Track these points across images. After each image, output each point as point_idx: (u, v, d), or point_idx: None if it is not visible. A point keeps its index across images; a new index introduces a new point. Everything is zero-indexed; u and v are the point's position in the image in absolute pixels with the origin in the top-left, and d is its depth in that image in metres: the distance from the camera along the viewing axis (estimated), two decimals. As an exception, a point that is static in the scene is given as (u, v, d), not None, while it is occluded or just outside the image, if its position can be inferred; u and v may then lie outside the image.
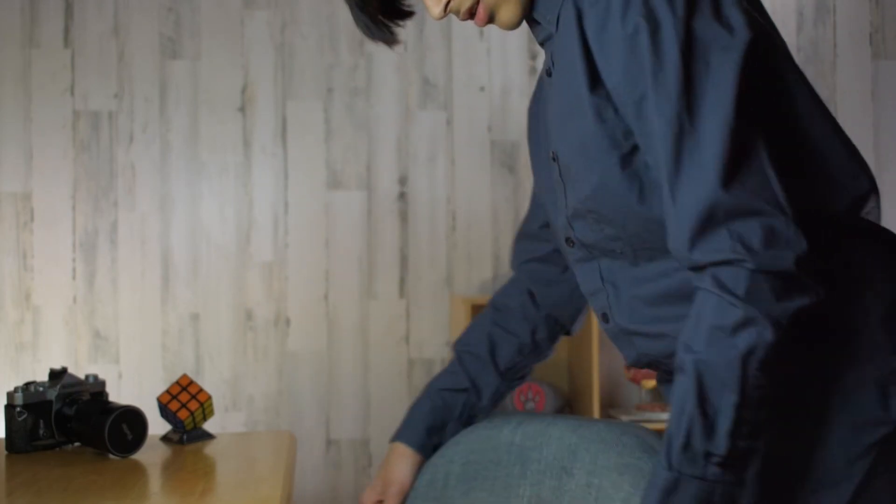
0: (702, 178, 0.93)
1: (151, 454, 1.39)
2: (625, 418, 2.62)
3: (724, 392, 0.93)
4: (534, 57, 2.95)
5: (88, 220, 2.79)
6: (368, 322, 2.86)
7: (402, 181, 2.88)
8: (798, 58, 2.95)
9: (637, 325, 1.11)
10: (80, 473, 1.27)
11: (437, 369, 2.79)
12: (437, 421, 1.34)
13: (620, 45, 0.97)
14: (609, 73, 1.00)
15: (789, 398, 1.00)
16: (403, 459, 1.34)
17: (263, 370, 2.82)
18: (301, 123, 2.86)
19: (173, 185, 2.81)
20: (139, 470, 1.31)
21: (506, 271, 2.82)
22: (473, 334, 1.38)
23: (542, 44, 1.15)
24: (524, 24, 1.13)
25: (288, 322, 2.83)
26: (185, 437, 1.47)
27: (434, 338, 2.87)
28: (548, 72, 1.13)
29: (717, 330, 0.93)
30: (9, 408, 1.40)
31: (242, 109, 2.85)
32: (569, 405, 2.72)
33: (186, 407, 1.47)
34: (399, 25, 1.14)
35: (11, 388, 1.42)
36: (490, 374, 1.35)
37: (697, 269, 0.96)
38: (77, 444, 1.44)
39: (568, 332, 1.40)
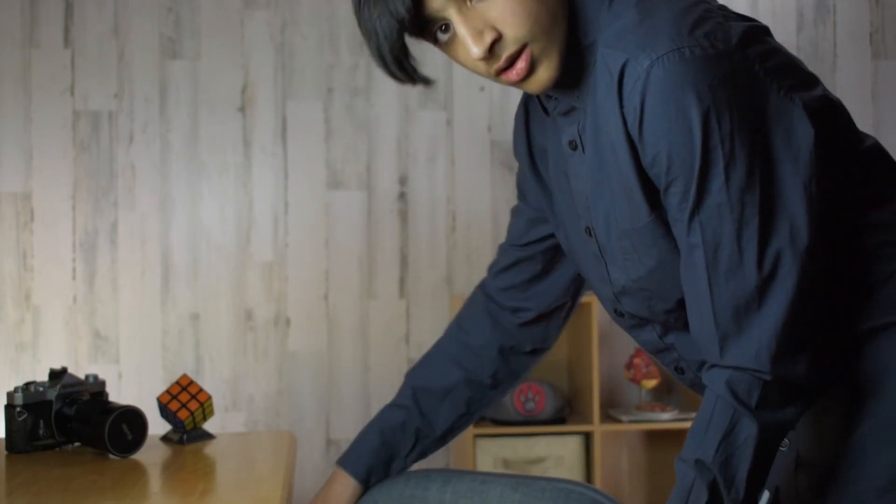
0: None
1: (151, 454, 1.39)
2: (625, 418, 2.62)
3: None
4: (534, 57, 2.94)
5: (88, 220, 2.79)
6: (368, 322, 2.86)
7: (402, 181, 2.88)
8: (798, 58, 2.94)
9: None
10: (80, 473, 1.27)
11: (437, 369, 2.78)
12: (384, 456, 1.33)
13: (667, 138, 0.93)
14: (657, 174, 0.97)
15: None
16: (345, 489, 1.32)
17: (263, 370, 2.82)
18: (301, 123, 2.86)
19: (173, 185, 2.81)
20: (139, 470, 1.30)
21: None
22: (431, 368, 1.38)
23: (561, 114, 1.08)
24: None
25: (288, 322, 2.83)
26: (185, 437, 1.47)
27: (434, 338, 2.81)
28: (571, 145, 1.07)
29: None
30: (9, 408, 1.40)
31: (242, 109, 2.84)
32: (569, 405, 2.72)
33: (186, 407, 1.47)
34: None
35: (11, 388, 1.42)
36: (444, 413, 1.34)
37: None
38: (77, 444, 1.44)
39: (538, 351, 1.38)
